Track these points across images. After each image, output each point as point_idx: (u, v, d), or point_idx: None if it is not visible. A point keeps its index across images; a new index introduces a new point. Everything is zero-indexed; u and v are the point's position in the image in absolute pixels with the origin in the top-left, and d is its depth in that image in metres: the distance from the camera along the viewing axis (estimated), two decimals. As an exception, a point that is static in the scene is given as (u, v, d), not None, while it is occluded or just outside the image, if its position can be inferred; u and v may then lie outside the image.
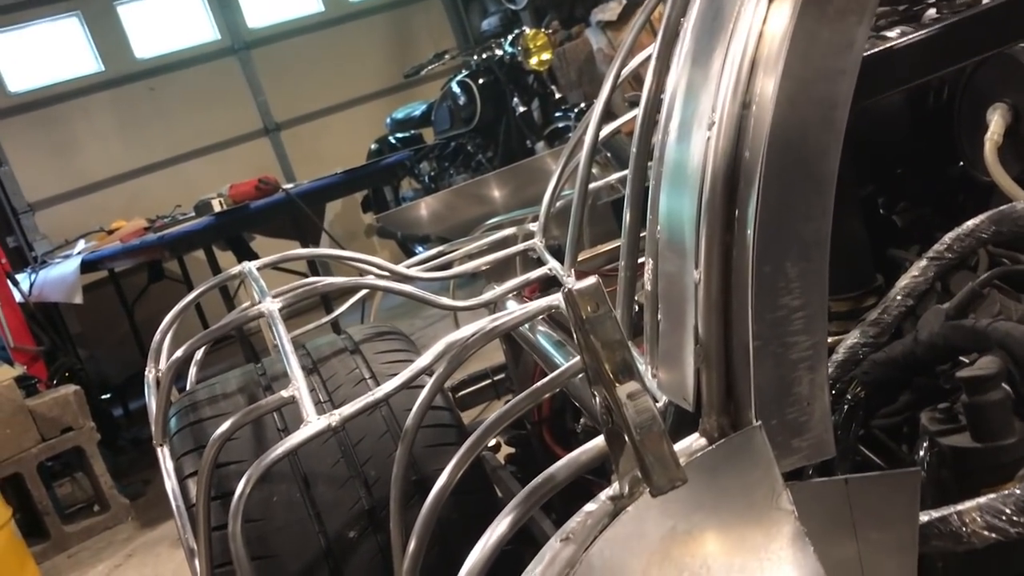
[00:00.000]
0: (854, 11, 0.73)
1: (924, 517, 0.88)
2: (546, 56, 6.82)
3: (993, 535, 0.86)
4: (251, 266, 1.86)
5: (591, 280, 0.75)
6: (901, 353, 1.10)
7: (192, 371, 2.16)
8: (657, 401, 0.90)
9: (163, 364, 1.80)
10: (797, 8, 0.73)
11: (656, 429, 0.72)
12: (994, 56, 1.27)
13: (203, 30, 8.87)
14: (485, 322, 1.41)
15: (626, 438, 0.73)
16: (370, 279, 1.91)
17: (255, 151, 8.92)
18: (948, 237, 1.17)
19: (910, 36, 1.23)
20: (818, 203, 0.74)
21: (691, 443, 0.79)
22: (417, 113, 8.17)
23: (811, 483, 0.79)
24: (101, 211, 7.39)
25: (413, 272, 2.04)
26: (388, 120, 8.57)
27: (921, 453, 1.00)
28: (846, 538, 0.79)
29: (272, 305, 1.62)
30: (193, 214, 5.08)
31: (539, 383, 1.08)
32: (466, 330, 1.40)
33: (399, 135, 8.26)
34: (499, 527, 0.86)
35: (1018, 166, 1.26)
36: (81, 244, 6.15)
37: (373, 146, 8.29)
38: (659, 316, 0.91)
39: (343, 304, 2.65)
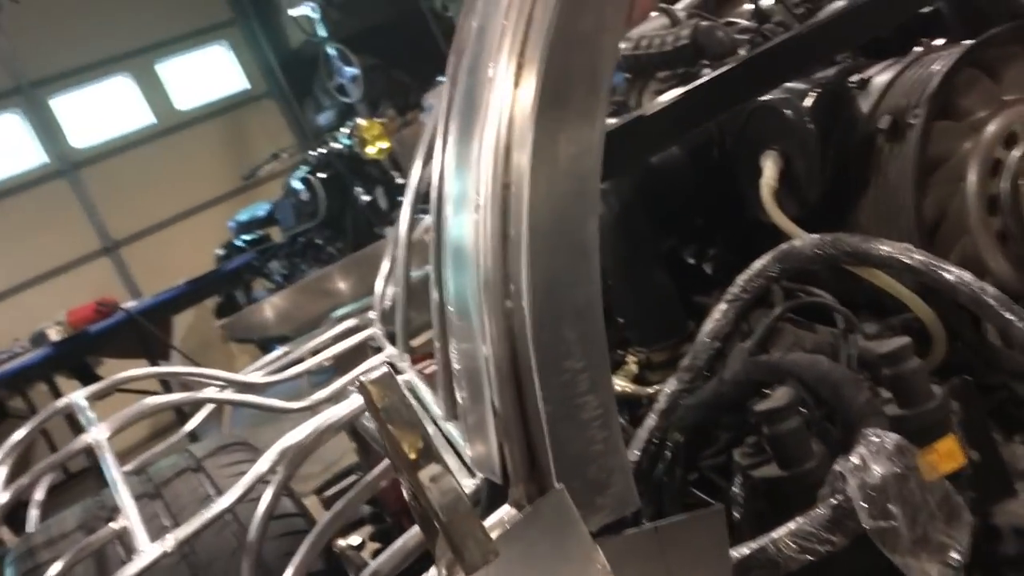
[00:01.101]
0: (591, 91, 0.78)
1: (744, 550, 0.92)
2: (383, 144, 6.90)
3: (806, 556, 0.90)
4: (77, 397, 1.78)
5: (381, 371, 0.77)
6: (710, 394, 1.16)
7: (34, 513, 2.04)
8: (473, 476, 0.91)
9: (-9, 512, 1.70)
10: (538, 92, 0.77)
11: (462, 508, 0.73)
12: (759, 107, 1.37)
13: (27, 155, 8.55)
14: (320, 419, 1.40)
15: (435, 521, 0.74)
16: (208, 392, 1.86)
17: (96, 272, 8.61)
18: (740, 279, 1.23)
19: (667, 100, 1.33)
20: (584, 268, 0.78)
21: (503, 515, 0.80)
22: (261, 213, 8.09)
23: (623, 536, 0.81)
24: (-70, 355, 6.93)
25: (254, 379, 2.00)
26: (232, 223, 8.44)
27: (736, 488, 1.05)
28: (665, 584, 0.82)
29: (100, 435, 1.56)
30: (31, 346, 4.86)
31: (368, 476, 1.08)
32: (300, 431, 1.38)
33: (245, 237, 8.14)
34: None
35: (795, 206, 1.35)
36: (-90, 393, 5.72)
37: (219, 251, 8.13)
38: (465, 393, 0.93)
39: (193, 420, 2.57)
